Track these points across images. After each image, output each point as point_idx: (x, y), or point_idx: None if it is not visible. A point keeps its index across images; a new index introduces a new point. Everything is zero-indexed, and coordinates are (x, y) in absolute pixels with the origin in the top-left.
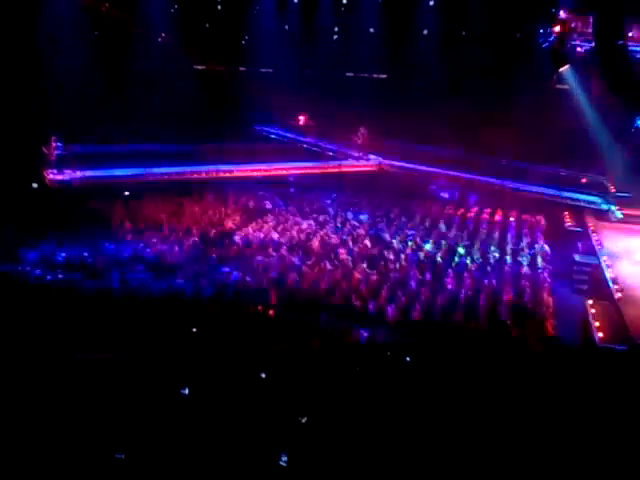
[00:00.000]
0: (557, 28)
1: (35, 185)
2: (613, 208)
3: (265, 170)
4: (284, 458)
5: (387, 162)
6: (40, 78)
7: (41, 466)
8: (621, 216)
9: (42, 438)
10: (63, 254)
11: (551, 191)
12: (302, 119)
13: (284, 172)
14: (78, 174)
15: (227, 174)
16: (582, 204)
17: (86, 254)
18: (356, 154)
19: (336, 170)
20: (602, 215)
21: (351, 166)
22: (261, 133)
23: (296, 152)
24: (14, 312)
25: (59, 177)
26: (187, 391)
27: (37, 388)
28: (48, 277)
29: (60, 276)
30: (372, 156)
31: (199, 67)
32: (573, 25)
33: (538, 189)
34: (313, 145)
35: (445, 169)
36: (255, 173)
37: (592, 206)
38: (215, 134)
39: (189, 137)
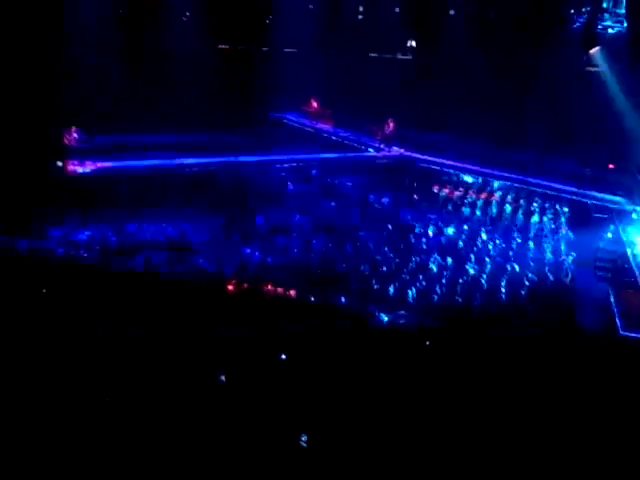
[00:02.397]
0: (588, 8)
1: (60, 164)
2: (638, 209)
3: (284, 162)
4: (304, 438)
5: (409, 154)
6: (64, 66)
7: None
8: None
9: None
10: (87, 233)
11: (574, 189)
12: (320, 106)
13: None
14: (99, 165)
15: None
16: (606, 204)
17: (110, 233)
18: (377, 145)
19: (356, 162)
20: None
21: (372, 157)
22: (282, 120)
23: (316, 141)
24: (36, 287)
25: (80, 169)
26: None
27: (54, 362)
28: (71, 255)
29: (85, 255)
30: (394, 147)
31: (222, 47)
32: (605, 5)
33: (561, 186)
34: (333, 134)
35: (467, 163)
36: (274, 165)
37: (615, 206)
38: (236, 120)
39: (210, 123)
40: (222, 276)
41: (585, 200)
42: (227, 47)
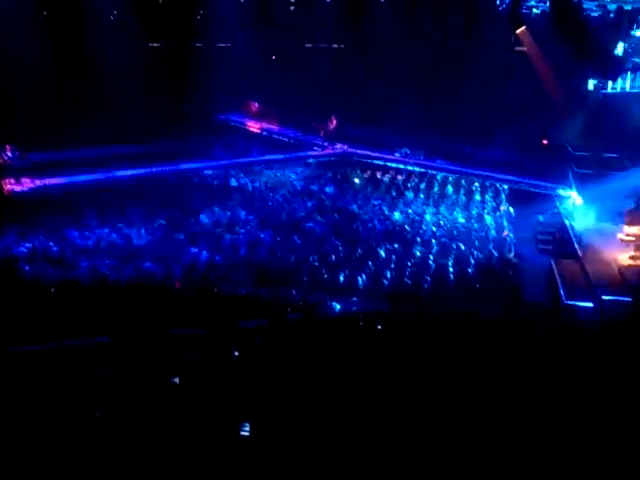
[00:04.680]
0: None
1: None
2: (573, 194)
3: (230, 166)
4: (246, 428)
5: (352, 150)
6: None
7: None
8: (581, 202)
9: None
10: (27, 245)
11: (511, 178)
12: (264, 105)
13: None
14: (37, 183)
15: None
16: (542, 191)
17: (51, 244)
18: (321, 142)
19: (302, 161)
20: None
21: (317, 155)
22: (223, 122)
23: (260, 141)
24: None
25: (17, 187)
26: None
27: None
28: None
29: (26, 268)
30: (338, 144)
31: (154, 45)
32: None
33: (498, 176)
34: (277, 134)
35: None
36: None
37: (551, 192)
38: (176, 123)
39: (149, 129)
40: (170, 277)
41: (523, 187)
42: (159, 45)
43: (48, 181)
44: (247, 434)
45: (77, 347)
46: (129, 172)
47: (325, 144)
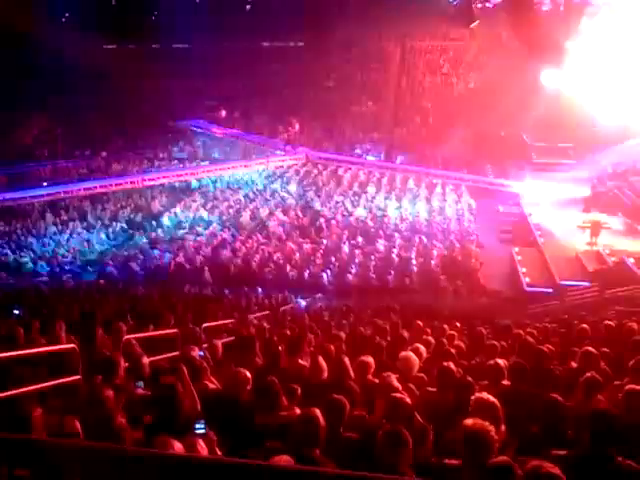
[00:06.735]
0: None
1: None
2: (530, 189)
3: (192, 174)
4: (201, 426)
5: (314, 154)
6: None
7: None
8: (539, 196)
9: None
10: None
11: (471, 176)
12: (224, 111)
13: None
14: None
15: (152, 181)
16: (499, 188)
17: (7, 251)
18: (283, 147)
19: (264, 166)
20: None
21: (278, 160)
22: (184, 128)
23: (222, 145)
24: None
25: None
26: None
27: None
28: None
29: None
30: (300, 148)
31: (109, 47)
32: None
33: (458, 175)
34: (239, 138)
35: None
36: (181, 178)
37: (509, 188)
38: (134, 128)
39: (106, 137)
40: (134, 280)
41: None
42: (114, 47)
43: (6, 195)
44: (203, 432)
45: (39, 354)
46: (89, 184)
47: (287, 148)
